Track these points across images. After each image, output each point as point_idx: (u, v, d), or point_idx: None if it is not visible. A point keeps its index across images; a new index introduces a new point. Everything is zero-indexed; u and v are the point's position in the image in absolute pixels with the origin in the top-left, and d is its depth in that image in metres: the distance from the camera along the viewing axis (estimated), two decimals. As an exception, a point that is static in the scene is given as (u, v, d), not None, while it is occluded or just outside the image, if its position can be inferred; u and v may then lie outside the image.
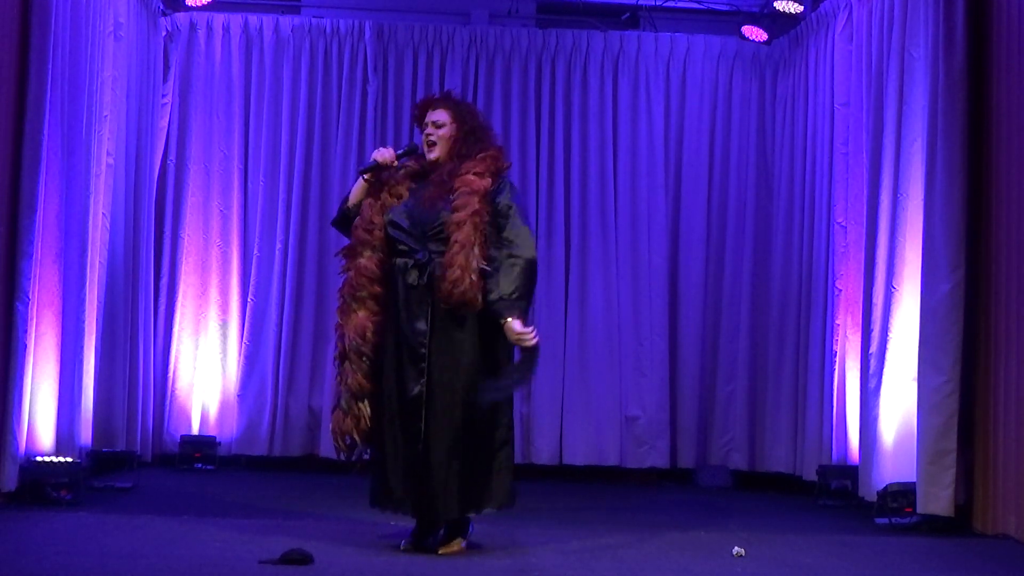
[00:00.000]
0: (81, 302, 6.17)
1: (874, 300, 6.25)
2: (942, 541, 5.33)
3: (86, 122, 6.15)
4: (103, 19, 6.50)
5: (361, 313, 4.67)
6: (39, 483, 5.56)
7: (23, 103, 5.57)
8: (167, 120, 7.96)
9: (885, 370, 6.11)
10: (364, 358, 4.66)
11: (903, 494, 5.75)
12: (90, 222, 6.26)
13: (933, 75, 5.78)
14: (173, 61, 8.01)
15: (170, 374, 7.86)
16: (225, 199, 8.01)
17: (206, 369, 7.89)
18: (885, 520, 5.78)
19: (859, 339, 6.52)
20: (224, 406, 7.88)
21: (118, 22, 6.77)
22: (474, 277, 4.49)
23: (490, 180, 4.65)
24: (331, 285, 7.96)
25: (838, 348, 6.90)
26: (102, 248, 6.62)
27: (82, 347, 6.21)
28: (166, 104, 7.94)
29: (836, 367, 6.89)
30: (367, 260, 4.67)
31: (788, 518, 6.27)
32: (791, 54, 8.03)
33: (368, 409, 4.66)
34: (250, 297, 7.92)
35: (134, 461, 6.71)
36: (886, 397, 6.11)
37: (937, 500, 5.57)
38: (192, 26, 8.04)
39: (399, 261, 4.66)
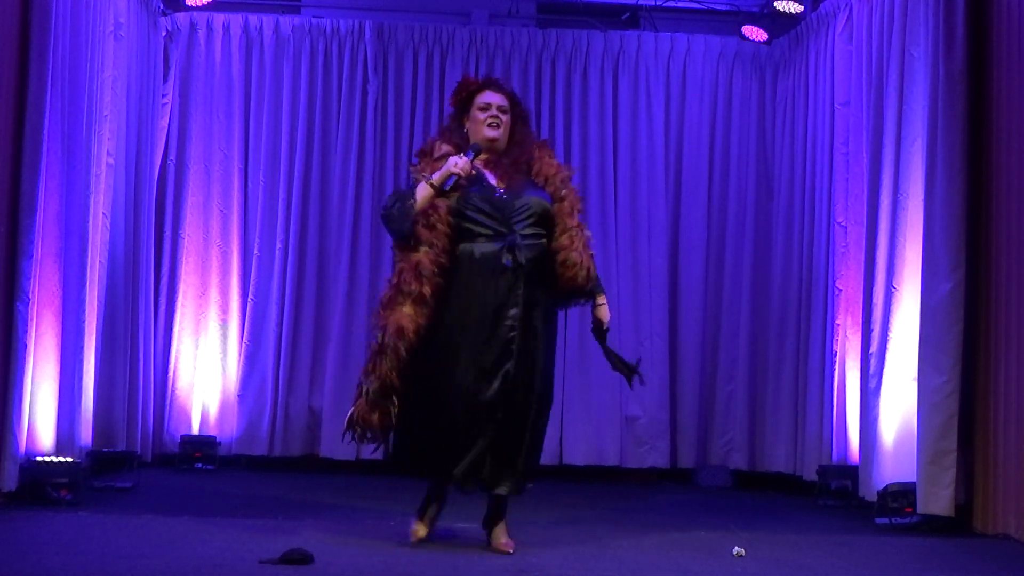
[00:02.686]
0: (81, 302, 6.16)
1: (874, 300, 6.25)
2: (942, 541, 5.33)
3: (86, 122, 6.15)
4: (103, 19, 6.49)
5: (405, 309, 4.58)
6: (39, 483, 5.56)
7: (23, 103, 5.57)
8: (167, 120, 7.95)
9: (885, 370, 6.11)
10: (400, 355, 4.55)
11: (903, 494, 5.75)
12: (90, 222, 6.26)
13: (933, 75, 5.78)
14: (173, 61, 8.01)
15: (170, 374, 7.86)
16: (225, 199, 8.01)
17: (206, 369, 7.89)
18: (885, 520, 5.78)
19: (859, 339, 6.52)
20: (224, 406, 7.88)
21: (118, 22, 6.77)
22: (590, 260, 4.67)
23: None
24: (331, 285, 7.98)
25: (838, 348, 6.90)
26: (102, 248, 6.62)
27: (82, 347, 6.21)
28: (166, 104, 7.94)
29: (836, 367, 6.89)
30: (423, 255, 4.60)
31: (788, 518, 6.26)
32: (791, 54, 8.03)
33: (395, 407, 4.61)
34: (250, 297, 7.92)
35: (134, 461, 6.71)
36: (886, 397, 6.11)
37: (937, 500, 5.57)
38: (192, 26, 8.04)
39: (480, 246, 4.63)
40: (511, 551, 4.62)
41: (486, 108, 4.77)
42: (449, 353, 4.60)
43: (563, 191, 4.72)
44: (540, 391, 4.67)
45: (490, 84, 4.89)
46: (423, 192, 4.65)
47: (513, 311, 4.58)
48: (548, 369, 4.74)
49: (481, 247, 4.63)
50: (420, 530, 4.83)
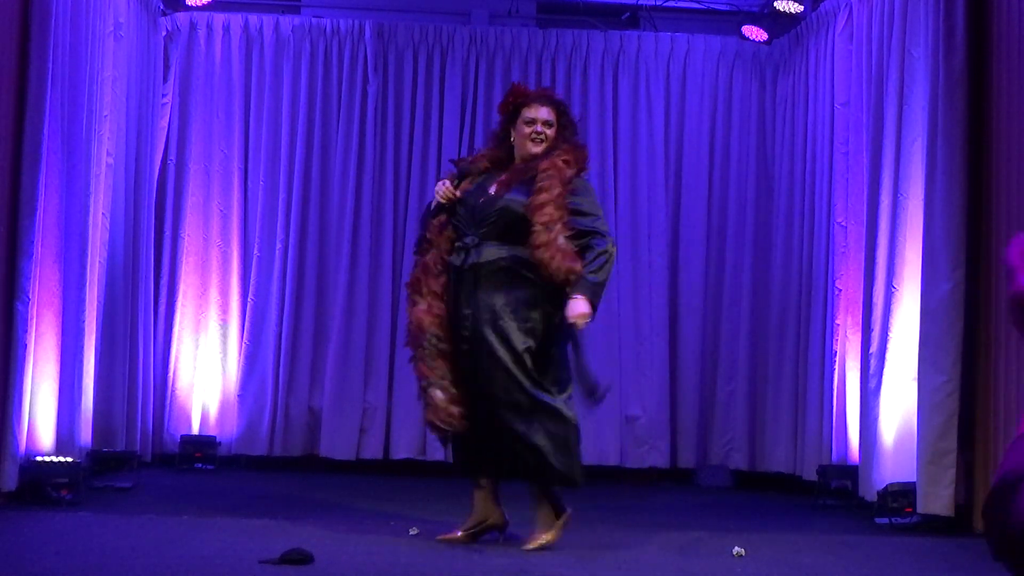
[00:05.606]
0: (81, 302, 6.16)
1: (874, 300, 6.25)
2: (942, 541, 5.33)
3: (86, 122, 6.14)
4: (103, 19, 6.49)
5: (420, 306, 4.78)
6: (39, 483, 5.56)
7: (23, 103, 5.57)
8: (167, 120, 7.95)
9: (885, 370, 6.11)
10: (426, 345, 4.73)
11: (903, 494, 5.75)
12: (90, 222, 6.26)
13: (933, 75, 5.78)
14: (173, 61, 8.01)
15: (170, 374, 7.86)
16: (225, 199, 8.01)
17: (206, 369, 7.89)
18: (885, 520, 5.78)
19: (859, 339, 6.51)
20: (224, 406, 7.88)
21: (118, 22, 6.76)
22: (560, 252, 4.59)
23: (574, 171, 4.75)
24: (331, 285, 7.98)
25: (838, 348, 6.90)
26: (102, 248, 6.62)
27: (82, 347, 6.21)
28: (166, 104, 7.94)
29: (836, 367, 6.89)
30: (430, 257, 4.83)
31: (788, 518, 6.26)
32: (791, 54, 8.03)
33: (440, 393, 4.70)
34: (250, 297, 7.92)
35: (134, 461, 6.71)
36: (886, 397, 6.11)
37: (937, 500, 5.58)
38: (192, 26, 8.04)
39: (457, 248, 4.81)
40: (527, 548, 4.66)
41: (531, 123, 4.80)
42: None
43: (543, 183, 4.67)
44: (505, 398, 4.63)
45: (537, 97, 4.89)
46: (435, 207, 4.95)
47: (466, 311, 4.69)
48: (518, 378, 4.63)
49: (456, 249, 4.79)
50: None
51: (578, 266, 4.60)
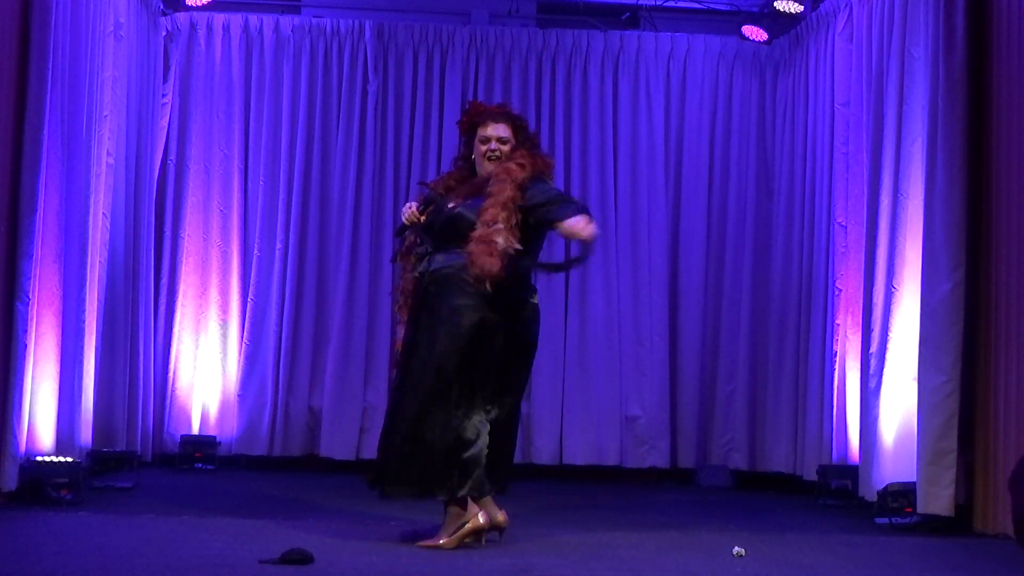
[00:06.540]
0: (81, 302, 6.17)
1: (874, 300, 6.25)
2: (942, 541, 5.33)
3: (86, 122, 6.15)
4: (103, 19, 6.49)
5: (400, 328, 5.02)
6: (39, 483, 5.56)
7: (23, 103, 5.57)
8: (167, 120, 7.96)
9: (885, 370, 6.11)
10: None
11: (903, 494, 5.75)
12: (90, 222, 6.26)
13: (933, 75, 5.78)
14: (173, 61, 8.01)
15: (170, 374, 7.86)
16: (225, 199, 8.01)
17: (206, 369, 7.89)
18: (885, 520, 5.78)
19: (859, 339, 6.52)
20: (224, 406, 7.88)
21: (118, 22, 6.77)
22: (484, 247, 4.55)
23: (528, 174, 4.72)
24: (331, 285, 7.98)
25: (838, 348, 6.90)
26: (102, 248, 6.62)
27: (82, 347, 6.21)
28: (166, 104, 7.94)
29: (836, 367, 6.89)
30: (406, 280, 4.97)
31: (788, 518, 6.26)
32: (791, 54, 8.03)
33: None
34: (250, 297, 7.92)
35: (134, 461, 6.71)
36: (886, 397, 6.11)
37: (937, 500, 5.58)
38: (192, 26, 8.05)
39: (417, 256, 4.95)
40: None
41: (486, 141, 4.85)
42: None
43: (494, 187, 4.69)
44: (413, 381, 4.68)
45: (492, 114, 4.93)
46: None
47: (418, 320, 4.77)
48: (429, 358, 4.65)
49: (417, 259, 4.92)
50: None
51: (494, 267, 4.54)
